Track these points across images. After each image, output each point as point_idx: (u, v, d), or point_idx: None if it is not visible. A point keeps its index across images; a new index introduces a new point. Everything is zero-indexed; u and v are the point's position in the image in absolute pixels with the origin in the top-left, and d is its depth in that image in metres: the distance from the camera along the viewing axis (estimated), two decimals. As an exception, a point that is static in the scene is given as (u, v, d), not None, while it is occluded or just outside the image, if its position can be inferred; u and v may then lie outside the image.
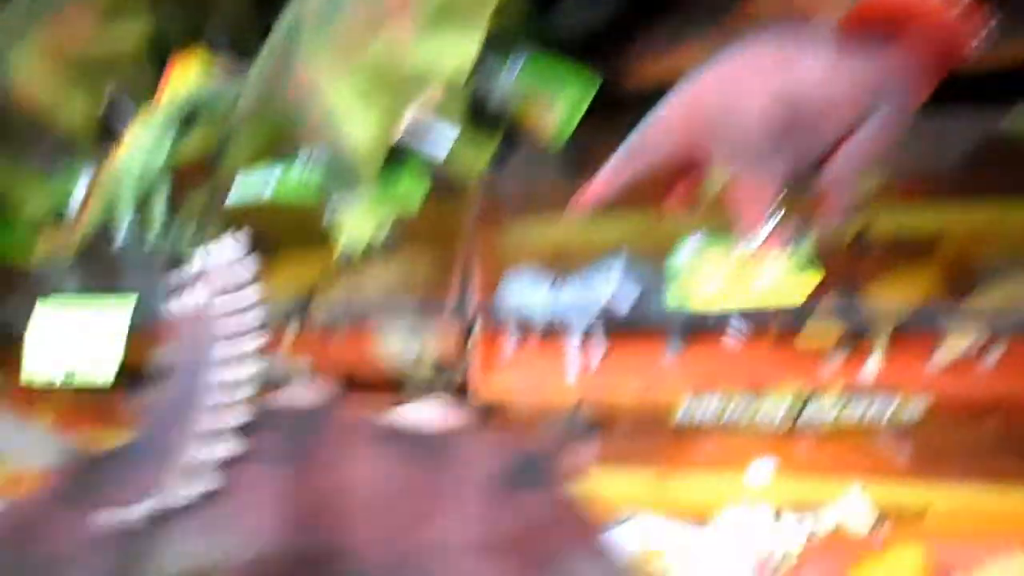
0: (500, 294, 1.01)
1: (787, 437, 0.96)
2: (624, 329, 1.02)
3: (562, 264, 1.01)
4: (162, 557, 0.29)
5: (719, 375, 0.95)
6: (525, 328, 1.04)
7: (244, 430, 0.30)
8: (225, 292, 0.31)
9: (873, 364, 0.92)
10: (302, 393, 0.35)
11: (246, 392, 0.30)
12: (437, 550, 0.30)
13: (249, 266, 0.31)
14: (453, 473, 0.32)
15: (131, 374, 0.90)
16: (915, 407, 0.91)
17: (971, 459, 0.95)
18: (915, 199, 0.93)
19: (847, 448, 0.97)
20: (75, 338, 0.84)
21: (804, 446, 0.98)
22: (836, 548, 0.93)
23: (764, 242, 0.69)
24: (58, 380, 0.83)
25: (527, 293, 0.98)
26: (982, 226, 0.90)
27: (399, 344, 1.01)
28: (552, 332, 0.99)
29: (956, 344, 0.88)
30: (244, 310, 0.31)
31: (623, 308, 0.92)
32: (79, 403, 1.28)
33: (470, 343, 0.98)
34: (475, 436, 0.35)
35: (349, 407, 0.33)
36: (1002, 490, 0.96)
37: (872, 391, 0.90)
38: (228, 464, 0.29)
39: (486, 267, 1.01)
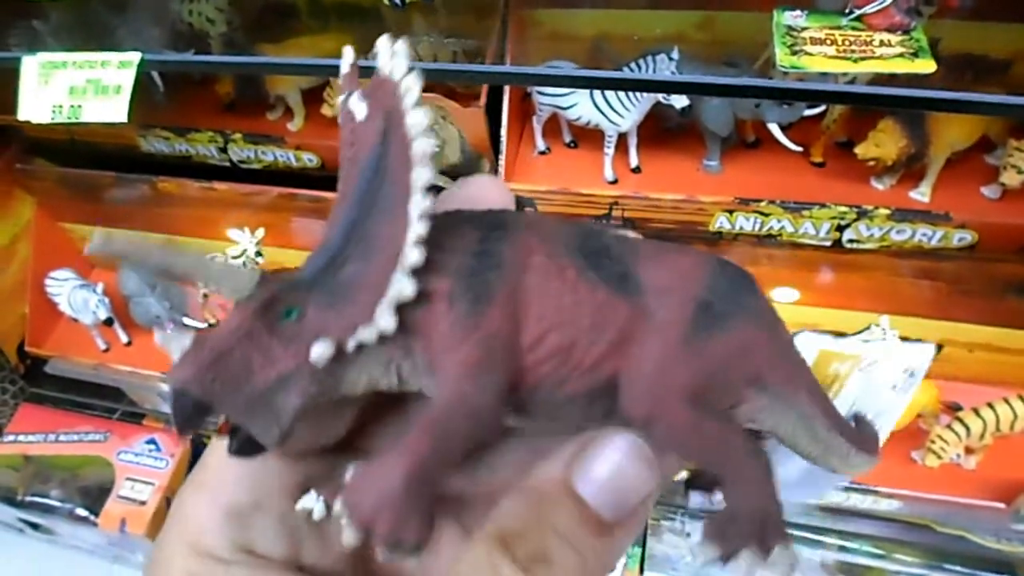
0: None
1: (824, 257, 0.92)
2: (668, 131, 0.97)
3: (602, 58, 0.95)
4: (355, 385, 0.28)
5: (763, 186, 0.90)
6: (561, 121, 0.98)
7: (434, 239, 0.27)
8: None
9: (925, 188, 0.89)
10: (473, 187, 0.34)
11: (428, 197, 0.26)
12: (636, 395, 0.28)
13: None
14: (646, 302, 0.28)
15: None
16: (959, 238, 0.88)
17: (993, 301, 0.94)
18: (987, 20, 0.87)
19: (877, 279, 0.95)
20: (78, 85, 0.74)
21: (836, 271, 0.95)
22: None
23: (876, 19, 0.63)
24: (61, 117, 0.73)
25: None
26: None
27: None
28: (589, 128, 0.93)
29: (1011, 176, 0.85)
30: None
31: (677, 104, 0.85)
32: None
33: (502, 134, 0.91)
34: (651, 248, 0.30)
35: None
36: (1017, 334, 0.97)
37: (919, 217, 0.87)
38: (423, 293, 0.27)
39: (519, 58, 0.93)
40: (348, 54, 0.29)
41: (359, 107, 0.27)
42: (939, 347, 0.99)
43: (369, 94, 0.27)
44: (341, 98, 0.29)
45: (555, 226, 0.30)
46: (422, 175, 0.26)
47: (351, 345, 0.27)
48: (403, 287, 0.26)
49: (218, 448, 0.32)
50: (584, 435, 0.30)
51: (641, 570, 1.35)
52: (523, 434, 0.32)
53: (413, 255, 0.26)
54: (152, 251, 0.25)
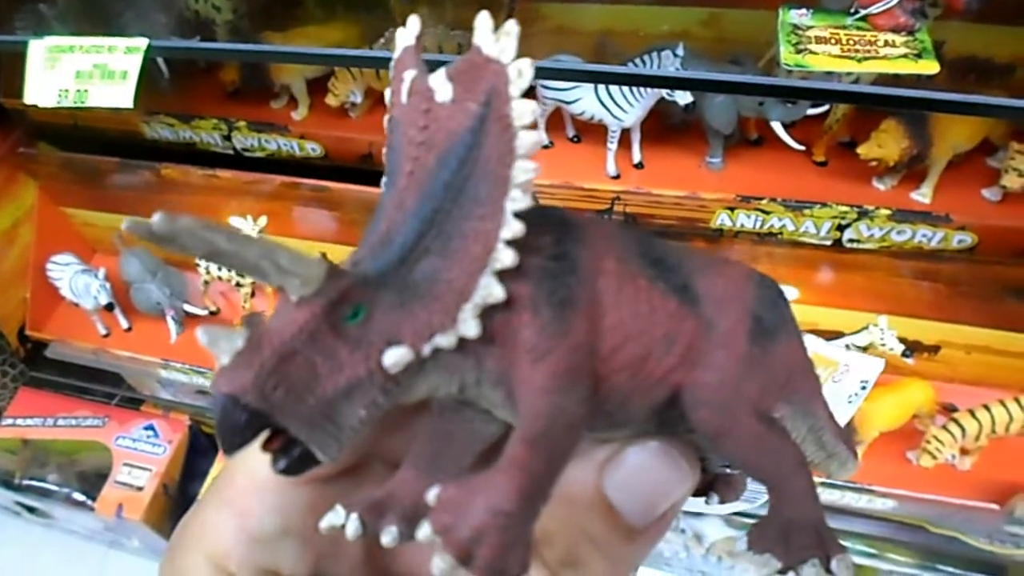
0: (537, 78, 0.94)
1: (824, 256, 0.93)
2: (671, 127, 0.97)
3: (607, 53, 0.95)
4: (422, 391, 0.26)
5: (765, 184, 0.90)
6: (564, 116, 0.98)
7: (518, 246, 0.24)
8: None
9: (927, 189, 0.89)
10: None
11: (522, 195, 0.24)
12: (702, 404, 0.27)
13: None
14: (707, 313, 0.28)
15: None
16: (959, 240, 0.89)
17: (991, 303, 0.95)
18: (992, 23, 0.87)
19: (876, 279, 0.95)
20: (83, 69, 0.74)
21: (836, 270, 0.95)
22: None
23: (881, 19, 0.64)
24: (68, 101, 0.73)
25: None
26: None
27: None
28: (593, 122, 0.93)
29: (1012, 179, 0.85)
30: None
31: (681, 101, 0.85)
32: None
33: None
34: (699, 258, 0.30)
35: None
36: (1014, 336, 0.97)
37: (920, 218, 0.87)
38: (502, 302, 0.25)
39: (523, 52, 0.93)
40: (413, 24, 0.27)
41: (443, 86, 0.25)
42: (936, 348, 0.99)
43: (461, 74, 0.24)
44: (409, 73, 0.26)
45: (613, 229, 0.28)
46: (524, 170, 0.23)
47: (426, 352, 0.24)
48: (492, 290, 0.24)
49: (245, 463, 0.31)
50: (617, 442, 0.29)
51: (635, 565, 1.35)
52: None
53: (506, 256, 0.24)
54: (218, 238, 0.21)
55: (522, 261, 0.24)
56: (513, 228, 0.24)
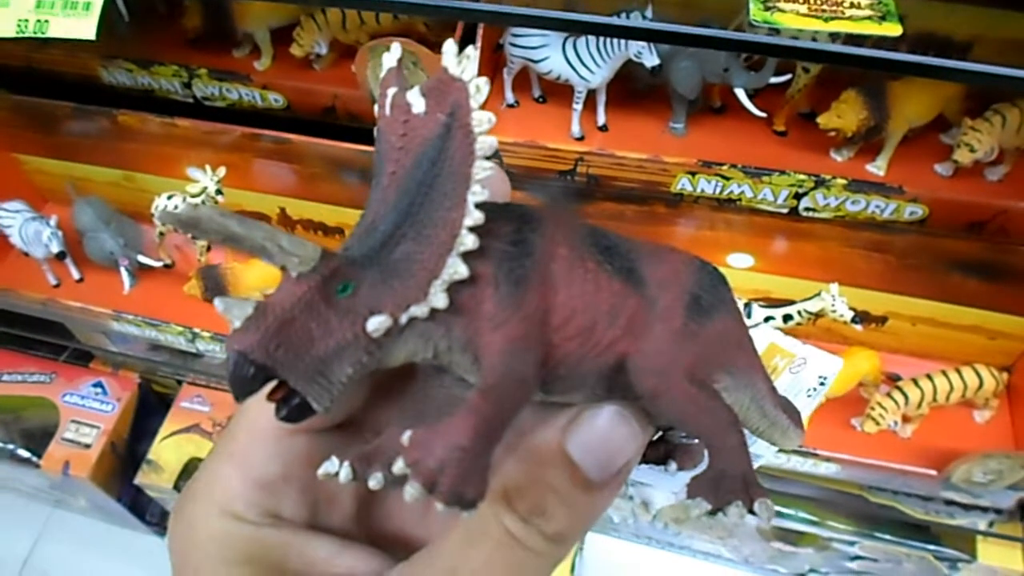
0: (507, 38, 0.94)
1: (780, 224, 0.95)
2: (636, 92, 0.98)
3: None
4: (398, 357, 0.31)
5: (726, 151, 0.92)
6: (531, 75, 0.98)
7: (481, 230, 0.29)
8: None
9: (882, 162, 0.92)
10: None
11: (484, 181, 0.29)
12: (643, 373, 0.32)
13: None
14: (649, 292, 0.33)
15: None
16: (910, 211, 0.91)
17: (939, 276, 0.98)
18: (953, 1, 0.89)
19: (829, 249, 0.98)
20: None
21: (790, 239, 0.97)
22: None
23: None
24: (27, 32, 0.71)
25: (536, 38, 0.92)
26: (1017, 35, 0.88)
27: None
28: (560, 82, 0.93)
29: (963, 154, 0.88)
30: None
31: (648, 63, 0.86)
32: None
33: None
34: (646, 246, 0.35)
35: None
36: (958, 309, 1.01)
37: (874, 189, 0.90)
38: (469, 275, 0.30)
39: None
40: (396, 50, 0.31)
41: (417, 100, 0.29)
42: (884, 319, 1.02)
43: (431, 90, 0.29)
44: (391, 91, 0.31)
45: (570, 221, 0.33)
46: (483, 168, 0.28)
47: (403, 320, 0.29)
48: (458, 268, 0.29)
49: (245, 419, 0.36)
50: (577, 407, 0.34)
51: (585, 529, 1.38)
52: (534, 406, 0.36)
53: (469, 240, 0.28)
54: (232, 223, 0.26)
55: (485, 245, 0.29)
56: (474, 216, 0.28)
